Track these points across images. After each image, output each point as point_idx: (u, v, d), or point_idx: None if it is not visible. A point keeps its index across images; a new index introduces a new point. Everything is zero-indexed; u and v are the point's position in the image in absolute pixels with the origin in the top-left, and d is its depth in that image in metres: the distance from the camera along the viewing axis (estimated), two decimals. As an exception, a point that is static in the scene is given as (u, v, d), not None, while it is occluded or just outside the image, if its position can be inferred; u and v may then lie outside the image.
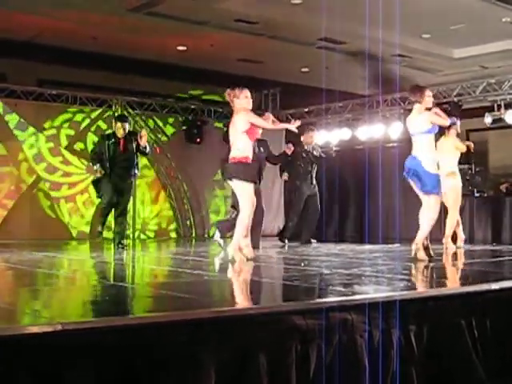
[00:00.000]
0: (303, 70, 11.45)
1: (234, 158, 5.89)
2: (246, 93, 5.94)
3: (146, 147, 7.77)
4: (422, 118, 6.08)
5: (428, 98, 6.14)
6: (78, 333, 2.43)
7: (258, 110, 12.51)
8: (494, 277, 4.92)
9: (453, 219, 7.69)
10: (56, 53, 9.82)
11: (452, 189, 7.63)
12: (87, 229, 10.39)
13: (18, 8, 8.32)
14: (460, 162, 8.17)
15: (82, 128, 10.58)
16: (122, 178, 7.82)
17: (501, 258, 6.87)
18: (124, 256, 7.17)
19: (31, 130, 10.03)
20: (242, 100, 5.90)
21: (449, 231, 7.62)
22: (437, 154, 7.25)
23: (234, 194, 7.98)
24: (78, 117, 10.54)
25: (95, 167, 7.88)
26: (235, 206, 7.99)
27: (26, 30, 9.11)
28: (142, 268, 6.28)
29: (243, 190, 5.87)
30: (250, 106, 5.96)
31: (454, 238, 7.86)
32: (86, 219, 10.45)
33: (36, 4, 8.23)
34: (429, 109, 6.20)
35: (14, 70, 9.90)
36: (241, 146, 5.86)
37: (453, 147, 7.87)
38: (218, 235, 7.53)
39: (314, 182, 9.18)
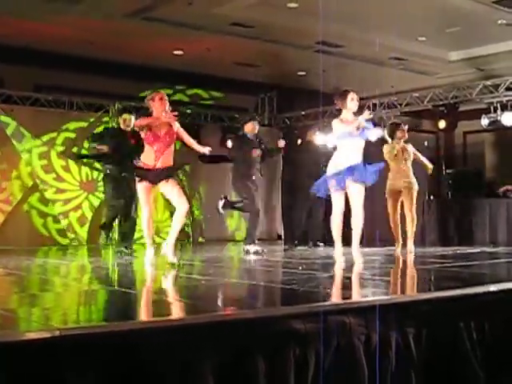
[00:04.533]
0: (300, 73, 11.47)
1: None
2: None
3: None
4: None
5: (350, 102, 5.95)
6: (77, 338, 2.43)
7: (255, 113, 12.57)
8: (492, 279, 4.92)
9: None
10: (53, 58, 9.84)
11: None
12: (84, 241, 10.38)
13: (15, 13, 8.33)
14: (457, 164, 8.24)
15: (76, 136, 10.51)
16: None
17: (498, 260, 6.87)
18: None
19: (26, 144, 9.94)
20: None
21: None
22: None
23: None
24: (71, 134, 10.46)
25: (97, 146, 7.83)
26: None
27: (23, 35, 9.12)
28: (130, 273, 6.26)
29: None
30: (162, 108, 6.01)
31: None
32: (82, 237, 10.39)
33: (33, 10, 8.24)
34: (355, 113, 6.08)
35: (10, 76, 9.90)
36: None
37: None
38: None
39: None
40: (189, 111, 11.67)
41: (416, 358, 3.26)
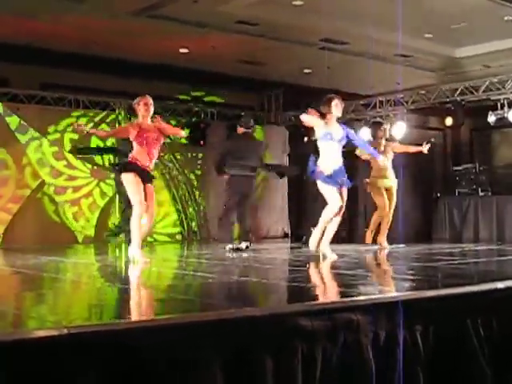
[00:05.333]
0: (305, 70, 11.44)
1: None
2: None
3: None
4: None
5: (335, 107, 6.11)
6: (78, 337, 2.42)
7: (260, 111, 12.57)
8: (499, 276, 4.90)
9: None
10: (58, 57, 9.84)
11: None
12: (92, 232, 10.40)
13: (20, 13, 8.34)
14: (464, 161, 8.22)
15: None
16: None
17: (505, 257, 6.85)
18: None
19: (34, 133, 10.00)
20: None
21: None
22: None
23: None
24: (82, 120, 10.53)
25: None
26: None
27: (29, 34, 9.13)
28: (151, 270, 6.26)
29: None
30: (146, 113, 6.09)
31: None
32: (91, 223, 10.45)
33: (38, 9, 8.25)
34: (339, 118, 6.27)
35: (16, 74, 9.92)
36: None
37: None
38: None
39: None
40: (196, 109, 11.68)
41: (423, 355, 3.25)
